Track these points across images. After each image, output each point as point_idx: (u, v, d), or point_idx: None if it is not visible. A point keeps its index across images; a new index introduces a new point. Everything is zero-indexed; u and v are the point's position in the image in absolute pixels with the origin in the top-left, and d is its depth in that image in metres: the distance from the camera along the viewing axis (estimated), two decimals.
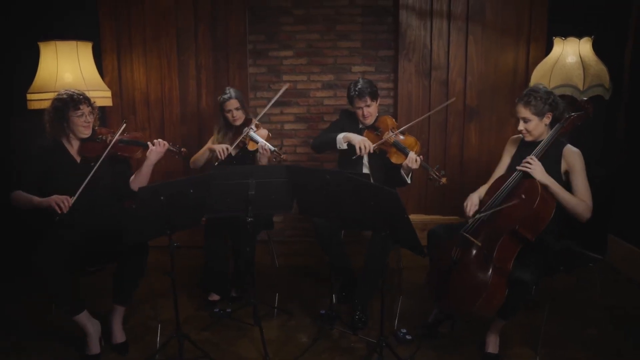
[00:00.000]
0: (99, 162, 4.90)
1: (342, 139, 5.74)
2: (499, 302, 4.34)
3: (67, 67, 6.11)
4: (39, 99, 5.98)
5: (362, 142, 5.58)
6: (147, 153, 5.17)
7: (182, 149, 5.39)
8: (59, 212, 4.64)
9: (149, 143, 5.19)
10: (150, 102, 7.75)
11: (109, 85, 7.18)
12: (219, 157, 5.81)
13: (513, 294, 4.33)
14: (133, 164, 5.46)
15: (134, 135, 5.34)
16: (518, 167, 4.65)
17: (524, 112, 4.76)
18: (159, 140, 5.21)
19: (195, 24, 7.60)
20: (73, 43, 6.17)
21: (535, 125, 4.76)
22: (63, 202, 4.64)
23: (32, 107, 6.03)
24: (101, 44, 7.53)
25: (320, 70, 7.96)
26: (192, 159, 6.18)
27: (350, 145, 5.68)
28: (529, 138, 4.86)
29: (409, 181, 5.70)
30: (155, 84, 7.72)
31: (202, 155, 6.12)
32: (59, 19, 6.76)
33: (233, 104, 5.99)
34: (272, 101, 6.05)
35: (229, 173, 4.92)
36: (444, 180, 5.20)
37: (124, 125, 5.16)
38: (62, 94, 4.95)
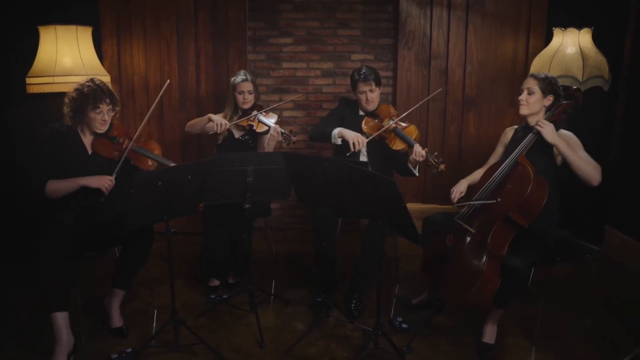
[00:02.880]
0: (118, 167, 4.89)
1: (337, 134, 5.74)
2: (494, 289, 4.38)
3: (66, 52, 6.10)
4: (38, 82, 5.97)
5: (356, 138, 5.56)
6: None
7: None
8: (106, 194, 4.76)
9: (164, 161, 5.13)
10: (150, 88, 7.73)
11: (108, 70, 7.17)
12: (215, 129, 5.79)
13: (507, 281, 4.37)
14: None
15: (151, 145, 5.27)
16: (534, 128, 4.69)
17: (532, 82, 4.85)
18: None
19: (195, 9, 7.59)
20: (73, 27, 6.15)
21: (535, 100, 4.82)
22: (109, 184, 4.78)
23: (31, 91, 6.02)
24: (101, 28, 7.50)
25: (320, 57, 7.97)
26: (189, 123, 6.18)
27: (345, 141, 5.69)
28: (524, 111, 4.90)
29: (416, 173, 5.73)
30: (154, 69, 7.70)
31: (200, 121, 6.07)
32: (59, 3, 6.74)
33: (247, 86, 6.01)
34: (283, 102, 6.12)
35: (227, 160, 4.93)
36: (442, 167, 5.20)
37: (168, 82, 5.21)
38: (85, 88, 4.85)
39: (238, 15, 7.61)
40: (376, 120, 5.80)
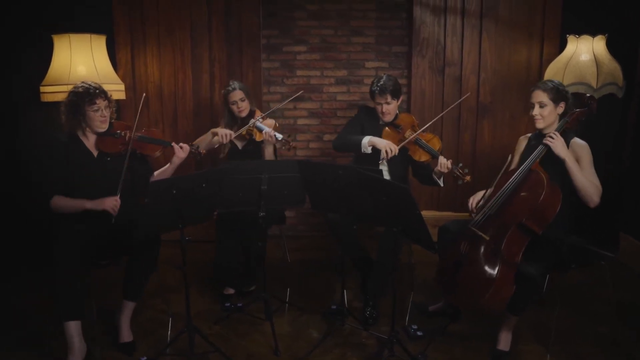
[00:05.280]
0: (126, 162, 4.85)
1: (367, 143, 5.71)
2: (507, 295, 4.35)
3: (80, 60, 6.12)
4: (53, 91, 5.99)
5: (388, 146, 5.54)
6: (173, 158, 5.18)
7: (201, 151, 5.33)
8: (114, 214, 4.69)
9: (173, 144, 5.15)
10: (164, 96, 7.76)
11: (123, 79, 7.19)
12: (221, 140, 5.79)
13: (521, 288, 4.36)
14: (152, 163, 5.39)
15: (153, 132, 5.28)
16: (543, 141, 4.70)
17: (541, 96, 4.80)
18: (182, 144, 5.18)
19: (209, 17, 7.61)
20: (87, 36, 6.18)
21: (549, 112, 4.79)
22: (115, 205, 4.69)
23: (46, 100, 6.05)
24: (115, 37, 7.54)
25: (334, 65, 7.97)
26: (197, 140, 6.09)
27: (375, 150, 5.67)
28: (541, 125, 4.87)
29: (442, 184, 5.75)
30: (168, 77, 7.73)
31: (205, 138, 6.07)
32: (73, 11, 6.77)
33: (237, 94, 5.99)
34: (283, 103, 6.14)
35: (241, 168, 4.95)
36: (467, 178, 5.21)
37: (143, 96, 5.24)
38: (78, 87, 4.86)
39: (252, 23, 7.63)
40: (397, 131, 5.78)
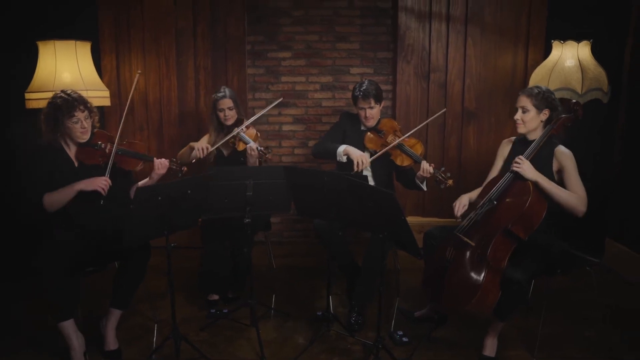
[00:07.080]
0: (108, 170, 4.85)
1: (342, 152, 5.74)
2: (494, 300, 4.36)
3: (65, 67, 6.10)
4: (38, 98, 5.97)
5: (360, 158, 5.57)
6: (152, 173, 5.16)
7: (183, 168, 5.27)
8: (104, 194, 4.74)
9: (155, 160, 5.13)
10: (149, 103, 7.75)
11: (107, 85, 7.17)
12: (198, 155, 5.81)
13: (507, 293, 4.36)
14: (134, 174, 5.35)
15: (135, 146, 5.21)
16: (511, 168, 4.70)
17: (524, 101, 4.82)
18: (161, 160, 5.15)
19: (194, 24, 7.60)
20: (72, 43, 6.16)
21: (531, 117, 4.80)
22: (105, 184, 4.76)
23: (31, 107, 6.02)
24: (100, 43, 7.52)
25: (319, 71, 7.97)
26: (178, 154, 6.13)
27: (350, 159, 5.68)
28: (522, 130, 4.89)
29: (425, 188, 5.75)
30: (153, 84, 7.72)
31: (184, 153, 6.11)
32: (58, 18, 6.75)
33: (226, 103, 6.00)
34: (264, 111, 6.16)
35: (226, 174, 4.94)
36: (450, 182, 5.19)
37: (138, 75, 5.27)
38: (56, 98, 4.82)
39: (237, 30, 7.63)
40: (380, 136, 5.79)
